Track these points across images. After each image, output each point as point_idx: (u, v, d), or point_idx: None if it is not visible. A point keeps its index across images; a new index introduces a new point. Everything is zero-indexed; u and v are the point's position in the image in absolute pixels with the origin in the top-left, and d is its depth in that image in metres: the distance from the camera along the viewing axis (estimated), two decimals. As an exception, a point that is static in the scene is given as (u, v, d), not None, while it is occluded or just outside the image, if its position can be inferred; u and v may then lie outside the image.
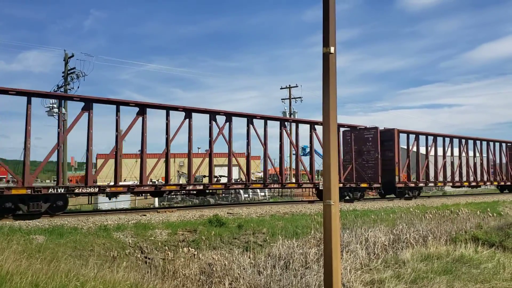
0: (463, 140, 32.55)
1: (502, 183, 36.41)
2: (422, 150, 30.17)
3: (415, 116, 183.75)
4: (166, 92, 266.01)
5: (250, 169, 21.20)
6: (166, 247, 12.74)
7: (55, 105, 34.65)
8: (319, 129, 23.28)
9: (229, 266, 11.54)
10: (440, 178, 30.52)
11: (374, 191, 28.05)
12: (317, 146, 23.78)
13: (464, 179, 32.06)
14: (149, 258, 12.27)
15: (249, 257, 12.64)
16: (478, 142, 34.00)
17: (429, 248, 15.09)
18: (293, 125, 25.20)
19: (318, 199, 24.70)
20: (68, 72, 35.99)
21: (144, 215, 15.94)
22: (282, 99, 49.67)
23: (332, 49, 6.38)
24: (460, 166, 31.82)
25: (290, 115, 47.04)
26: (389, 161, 26.39)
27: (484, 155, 34.69)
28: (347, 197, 23.99)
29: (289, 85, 48.93)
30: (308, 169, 23.61)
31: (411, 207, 21.43)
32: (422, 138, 29.17)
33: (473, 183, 33.08)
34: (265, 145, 21.19)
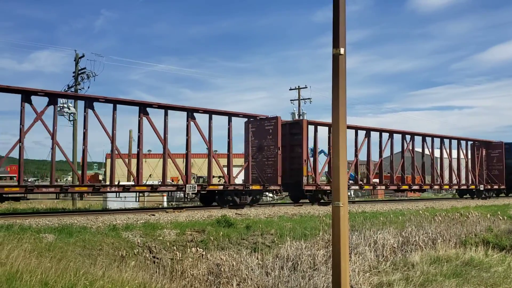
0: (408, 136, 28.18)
1: (464, 187, 32.31)
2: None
3: (424, 117, 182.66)
4: (175, 93, 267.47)
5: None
6: (175, 247, 12.77)
7: (65, 105, 34.91)
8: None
9: (237, 267, 11.54)
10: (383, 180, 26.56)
11: (278, 194, 24.03)
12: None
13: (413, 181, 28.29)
14: (157, 258, 12.31)
15: (257, 258, 12.63)
16: (429, 139, 29.71)
17: (438, 251, 14.98)
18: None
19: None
20: (79, 72, 36.21)
21: (153, 215, 16.00)
22: (291, 100, 49.56)
23: (342, 50, 6.36)
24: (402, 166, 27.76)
25: (299, 116, 46.91)
26: (297, 158, 22.13)
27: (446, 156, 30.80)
28: (231, 203, 19.84)
29: (298, 86, 48.82)
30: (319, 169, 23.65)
31: (420, 210, 21.29)
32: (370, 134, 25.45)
33: (415, 187, 28.55)
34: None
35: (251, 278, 10.99)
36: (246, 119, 21.86)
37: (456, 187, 32.15)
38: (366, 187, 25.83)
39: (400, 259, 14.23)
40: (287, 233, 15.09)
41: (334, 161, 6.50)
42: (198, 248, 12.71)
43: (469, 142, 33.32)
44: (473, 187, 32.26)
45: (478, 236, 17.51)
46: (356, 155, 25.01)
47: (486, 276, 12.65)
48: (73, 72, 36.54)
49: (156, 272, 10.93)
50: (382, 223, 17.41)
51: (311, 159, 23.29)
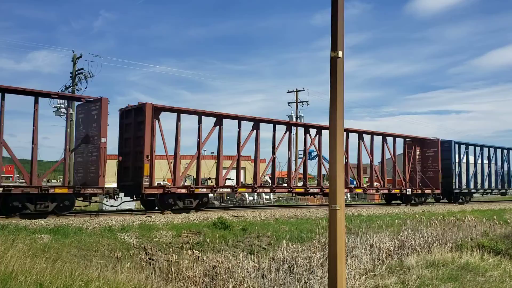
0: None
1: (385, 191, 26.81)
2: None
3: (422, 121, 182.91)
4: (174, 94, 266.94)
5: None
6: (171, 249, 12.75)
7: (62, 105, 34.86)
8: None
9: (233, 269, 11.53)
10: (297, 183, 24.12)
11: (107, 198, 18.36)
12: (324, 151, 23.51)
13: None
14: (153, 260, 12.28)
15: (253, 261, 12.62)
16: (367, 137, 25.46)
17: (434, 254, 15.01)
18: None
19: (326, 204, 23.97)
20: (76, 73, 36.15)
21: (149, 216, 15.96)
22: (288, 103, 49.57)
23: (340, 54, 6.38)
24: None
25: (296, 119, 46.97)
26: (140, 153, 17.37)
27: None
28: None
29: (296, 89, 48.85)
30: (316, 173, 23.61)
31: (417, 213, 21.32)
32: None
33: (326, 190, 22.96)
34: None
35: (247, 281, 10.98)
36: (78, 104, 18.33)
37: (373, 191, 25.94)
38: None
39: (396, 263, 14.25)
40: (284, 235, 15.09)
41: (331, 165, 6.50)
42: (194, 250, 12.70)
43: (398, 139, 27.49)
44: (396, 191, 26.52)
45: (474, 240, 17.55)
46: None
47: (482, 280, 12.69)
48: (71, 73, 36.48)
49: (152, 273, 10.91)
50: (378, 226, 17.44)
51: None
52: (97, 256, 11.36)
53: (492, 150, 33.49)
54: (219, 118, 19.58)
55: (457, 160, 29.74)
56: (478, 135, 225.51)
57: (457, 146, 30.14)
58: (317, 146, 23.17)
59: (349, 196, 38.02)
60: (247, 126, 20.73)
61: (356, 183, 25.42)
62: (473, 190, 31.58)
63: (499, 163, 33.81)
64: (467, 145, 31.39)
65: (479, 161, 32.03)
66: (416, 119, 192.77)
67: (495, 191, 34.27)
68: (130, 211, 18.31)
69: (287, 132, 22.19)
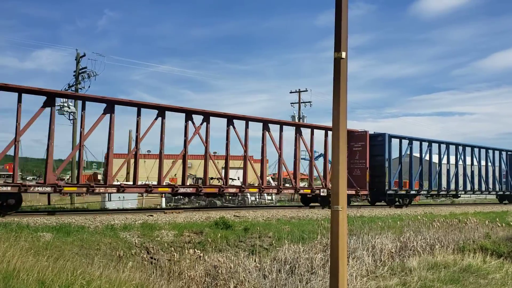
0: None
1: (291, 191, 23.26)
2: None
3: (425, 123, 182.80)
4: (176, 94, 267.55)
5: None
6: (172, 248, 12.75)
7: (65, 104, 34.99)
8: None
9: (234, 269, 11.52)
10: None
11: None
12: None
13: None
14: (155, 259, 12.29)
15: (255, 261, 12.61)
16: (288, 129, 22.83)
17: (436, 256, 14.98)
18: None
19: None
20: (80, 72, 36.24)
21: (151, 215, 15.98)
22: (291, 103, 49.59)
23: (343, 54, 6.36)
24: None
25: (299, 120, 46.99)
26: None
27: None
28: None
29: (299, 89, 48.85)
30: (321, 174, 23.58)
31: (419, 215, 21.28)
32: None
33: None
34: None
35: (248, 281, 10.97)
36: None
37: (273, 190, 21.98)
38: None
39: (398, 264, 14.22)
40: (285, 236, 15.08)
41: (334, 166, 6.49)
42: (195, 249, 12.69)
43: (317, 131, 23.66)
44: (307, 191, 22.45)
45: (476, 242, 17.49)
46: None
47: (484, 283, 12.64)
48: (74, 71, 36.56)
49: (154, 273, 10.91)
50: (380, 227, 17.41)
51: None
52: (99, 255, 11.38)
53: (444, 146, 29.58)
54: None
55: (394, 157, 25.83)
56: (481, 137, 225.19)
57: (395, 140, 26.14)
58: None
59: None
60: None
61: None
62: (413, 192, 27.10)
63: (452, 161, 30.01)
64: (411, 140, 27.25)
65: (427, 157, 28.10)
66: (419, 120, 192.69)
67: (442, 192, 30.21)
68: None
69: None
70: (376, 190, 24.80)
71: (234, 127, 19.93)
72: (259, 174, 21.20)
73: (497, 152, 34.53)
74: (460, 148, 30.83)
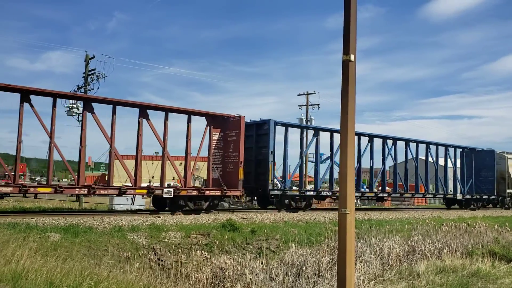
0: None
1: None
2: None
3: (434, 126, 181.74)
4: (185, 96, 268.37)
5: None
6: (179, 250, 12.78)
7: (74, 105, 35.28)
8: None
9: (241, 271, 11.52)
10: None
11: None
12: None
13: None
14: (162, 260, 12.32)
15: (262, 263, 12.59)
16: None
17: (445, 261, 14.88)
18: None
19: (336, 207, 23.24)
20: (89, 73, 36.47)
21: (159, 217, 16.02)
22: (299, 106, 49.48)
23: (352, 57, 6.35)
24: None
25: (307, 122, 46.90)
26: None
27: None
28: None
29: (307, 92, 48.76)
30: (325, 177, 23.49)
31: (427, 219, 21.16)
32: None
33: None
34: (285, 152, 21.21)
35: (255, 283, 10.96)
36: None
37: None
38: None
39: (406, 268, 14.14)
40: (292, 238, 15.06)
41: (341, 168, 6.48)
42: (202, 251, 12.72)
43: (178, 115, 18.85)
44: (142, 191, 17.28)
45: (485, 247, 17.36)
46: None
47: (493, 287, 12.54)
48: (83, 73, 36.80)
49: (161, 274, 10.94)
50: (388, 231, 17.33)
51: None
52: (106, 256, 11.44)
53: (365, 139, 24.37)
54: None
55: (284, 150, 21.25)
56: (490, 141, 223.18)
57: (284, 129, 21.28)
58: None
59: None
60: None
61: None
62: (310, 193, 22.01)
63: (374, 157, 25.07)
64: (317, 130, 22.47)
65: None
66: (428, 123, 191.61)
67: (368, 194, 24.68)
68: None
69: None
70: (262, 191, 20.16)
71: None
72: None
73: (451, 149, 29.87)
74: (390, 142, 25.66)
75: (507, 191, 31.53)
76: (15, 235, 10.98)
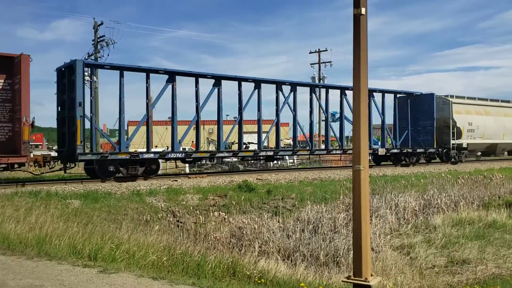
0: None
1: None
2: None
3: (449, 79, 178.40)
4: (196, 59, 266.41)
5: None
6: (198, 211, 13.02)
7: (86, 73, 35.23)
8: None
9: (258, 230, 11.74)
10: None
11: None
12: (347, 112, 23.02)
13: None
14: (181, 222, 12.58)
15: (278, 221, 12.81)
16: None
17: (461, 213, 14.94)
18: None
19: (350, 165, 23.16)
20: (98, 40, 36.27)
21: (176, 180, 16.24)
22: (311, 64, 48.77)
23: (363, 10, 6.18)
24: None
25: (319, 80, 46.37)
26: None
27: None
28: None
29: (319, 49, 47.94)
30: (337, 135, 23.36)
31: (443, 172, 21.11)
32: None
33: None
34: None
35: (272, 241, 11.18)
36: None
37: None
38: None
39: (422, 222, 14.25)
40: (308, 197, 15.21)
41: (355, 126, 6.43)
42: (220, 212, 12.94)
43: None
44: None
45: (502, 198, 17.36)
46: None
47: (510, 238, 12.61)
48: (93, 40, 36.61)
49: (180, 235, 11.20)
50: (403, 186, 17.38)
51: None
52: (126, 220, 11.71)
53: (246, 84, 19.62)
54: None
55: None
56: (508, 91, 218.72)
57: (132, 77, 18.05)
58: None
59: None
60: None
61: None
62: (149, 156, 16.75)
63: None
64: (173, 74, 17.58)
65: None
66: (443, 77, 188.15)
67: (243, 154, 19.58)
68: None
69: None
70: (70, 155, 15.81)
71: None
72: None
73: (377, 95, 24.41)
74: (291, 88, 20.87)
75: (452, 141, 26.03)
76: (37, 203, 11.28)
